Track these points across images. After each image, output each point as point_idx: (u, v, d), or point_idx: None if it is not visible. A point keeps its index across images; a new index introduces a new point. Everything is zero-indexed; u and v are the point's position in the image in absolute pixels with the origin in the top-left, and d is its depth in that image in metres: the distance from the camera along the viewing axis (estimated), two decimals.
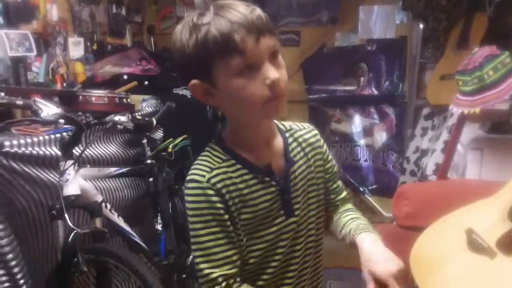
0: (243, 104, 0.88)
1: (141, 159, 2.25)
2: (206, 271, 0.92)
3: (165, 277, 2.06)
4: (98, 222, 1.80)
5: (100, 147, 2.13)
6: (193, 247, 0.94)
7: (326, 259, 1.14)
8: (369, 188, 3.48)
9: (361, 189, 3.48)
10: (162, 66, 3.22)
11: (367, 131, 3.46)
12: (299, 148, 1.06)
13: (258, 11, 0.87)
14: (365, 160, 3.47)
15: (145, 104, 2.75)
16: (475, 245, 1.33)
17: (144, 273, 1.55)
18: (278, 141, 1.03)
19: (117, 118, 1.97)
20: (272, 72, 0.86)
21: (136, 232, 2.06)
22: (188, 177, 0.94)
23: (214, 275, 0.92)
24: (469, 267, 1.31)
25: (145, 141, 2.23)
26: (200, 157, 0.98)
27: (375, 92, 3.40)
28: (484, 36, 2.61)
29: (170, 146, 2.38)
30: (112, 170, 2.05)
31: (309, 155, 1.07)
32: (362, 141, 3.48)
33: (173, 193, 2.41)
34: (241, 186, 0.95)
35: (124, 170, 2.09)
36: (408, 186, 1.99)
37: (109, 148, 2.17)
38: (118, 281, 1.98)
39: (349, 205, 1.17)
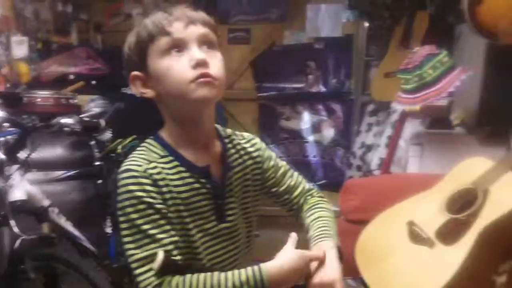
0: (171, 85, 0.91)
1: (89, 161, 2.21)
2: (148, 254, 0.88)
3: (116, 280, 2.04)
4: (45, 227, 1.77)
5: (47, 150, 2.08)
6: (127, 239, 0.90)
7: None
8: (318, 183, 3.55)
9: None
10: (111, 65, 3.16)
11: (316, 128, 3.54)
12: (237, 155, 1.07)
13: (199, 12, 0.95)
14: (314, 156, 3.55)
15: (93, 105, 2.69)
16: (415, 236, 1.41)
17: (94, 277, 1.54)
18: (217, 146, 1.04)
19: (63, 120, 1.93)
20: (197, 53, 0.90)
21: (85, 235, 2.02)
22: (123, 168, 0.94)
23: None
24: (410, 257, 1.38)
25: (93, 142, 2.19)
26: (135, 152, 0.98)
27: (323, 89, 3.48)
28: (425, 34, 2.72)
29: (120, 147, 2.35)
30: (59, 173, 2.01)
31: (247, 163, 1.08)
32: (311, 138, 3.55)
33: None
34: (178, 183, 0.95)
35: (71, 173, 2.06)
36: (353, 181, 2.06)
37: (55, 151, 2.13)
38: (67, 287, 1.94)
39: (313, 200, 1.17)
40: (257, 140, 1.14)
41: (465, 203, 1.39)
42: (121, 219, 0.92)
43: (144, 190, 0.90)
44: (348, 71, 3.40)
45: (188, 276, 0.89)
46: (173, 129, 0.98)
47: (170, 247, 0.90)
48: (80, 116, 2.11)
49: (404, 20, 2.85)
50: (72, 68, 2.93)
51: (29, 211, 1.80)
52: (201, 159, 0.99)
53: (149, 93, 0.95)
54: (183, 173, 0.96)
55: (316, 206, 1.14)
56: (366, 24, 3.22)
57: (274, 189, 1.14)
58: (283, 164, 1.17)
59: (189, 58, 0.90)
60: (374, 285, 1.39)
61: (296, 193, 1.16)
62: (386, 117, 2.78)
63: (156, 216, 0.90)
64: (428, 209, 1.45)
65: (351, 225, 1.75)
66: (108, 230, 2.16)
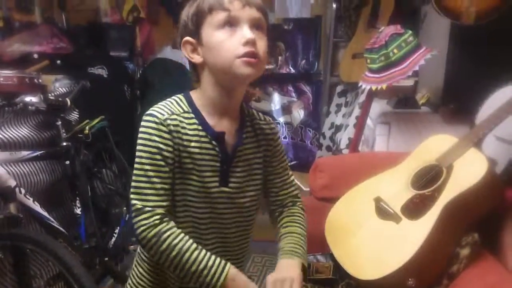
0: (220, 56, 1.00)
1: (56, 141, 2.16)
2: (147, 198, 1.00)
3: (88, 260, 2.02)
4: (12, 208, 1.72)
5: (11, 130, 2.02)
6: (134, 177, 1.01)
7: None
8: (289, 164, 3.58)
9: None
10: (76, 44, 3.09)
11: (286, 109, 3.57)
12: (252, 134, 1.15)
13: None
14: (285, 137, 3.59)
15: (58, 84, 2.62)
16: (382, 211, 1.44)
17: (63, 255, 1.50)
18: (237, 120, 1.12)
19: (28, 98, 1.88)
20: (248, 33, 0.99)
21: (54, 217, 1.99)
22: (148, 112, 1.03)
23: (151, 204, 0.99)
24: (377, 232, 1.42)
25: (59, 122, 2.14)
26: (164, 101, 1.07)
27: (293, 70, 3.51)
28: (392, 15, 2.75)
29: (87, 127, 2.31)
30: (25, 153, 1.96)
31: (261, 143, 1.16)
32: (281, 119, 3.59)
33: (92, 176, 2.35)
34: (192, 138, 1.04)
35: (38, 153, 2.01)
36: (322, 160, 2.08)
37: (20, 131, 2.06)
38: (36, 267, 1.91)
39: (293, 210, 1.23)
40: (275, 126, 1.23)
41: (430, 179, 1.43)
42: (136, 157, 1.02)
43: (159, 136, 1.01)
44: (317, 52, 3.43)
45: (180, 236, 0.99)
46: (206, 94, 1.07)
47: (160, 192, 1.01)
48: (45, 94, 2.06)
49: (371, 2, 2.89)
50: (36, 47, 2.85)
51: None
52: (219, 126, 1.07)
53: (196, 58, 1.05)
54: (199, 131, 1.05)
55: (294, 219, 1.21)
56: (334, 6, 3.23)
57: (271, 177, 1.20)
58: (287, 160, 1.25)
59: (241, 36, 0.99)
60: (343, 260, 1.43)
61: (285, 191, 1.23)
62: (355, 97, 2.83)
63: (161, 163, 1.01)
64: (394, 186, 1.49)
65: (320, 203, 1.78)
66: (78, 211, 2.13)
